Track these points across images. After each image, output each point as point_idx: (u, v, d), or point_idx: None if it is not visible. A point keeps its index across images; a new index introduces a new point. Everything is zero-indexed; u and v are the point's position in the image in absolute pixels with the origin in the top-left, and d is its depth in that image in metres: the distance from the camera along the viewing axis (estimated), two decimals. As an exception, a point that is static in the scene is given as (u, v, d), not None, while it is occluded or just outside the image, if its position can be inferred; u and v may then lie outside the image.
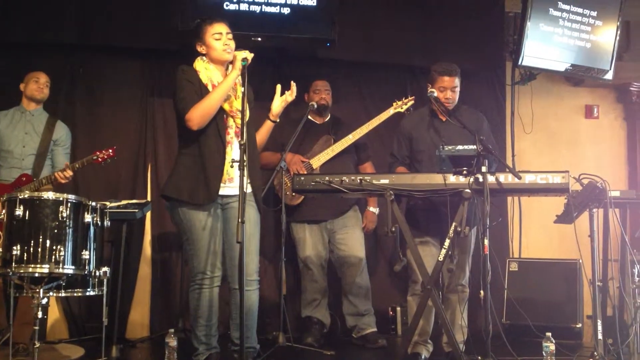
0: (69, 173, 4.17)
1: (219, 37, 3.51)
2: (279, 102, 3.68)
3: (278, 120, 3.74)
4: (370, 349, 4.56)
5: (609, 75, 5.59)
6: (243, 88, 3.31)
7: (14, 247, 3.15)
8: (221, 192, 3.46)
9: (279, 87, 3.72)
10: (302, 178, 3.74)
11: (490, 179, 3.44)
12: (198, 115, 3.38)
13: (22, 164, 4.32)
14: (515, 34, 5.47)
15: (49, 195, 3.27)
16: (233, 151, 3.46)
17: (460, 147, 3.49)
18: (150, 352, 4.61)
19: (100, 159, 4.20)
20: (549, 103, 5.99)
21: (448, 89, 3.90)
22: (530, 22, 5.23)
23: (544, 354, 3.65)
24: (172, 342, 3.92)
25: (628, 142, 6.11)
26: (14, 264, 3.13)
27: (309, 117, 4.72)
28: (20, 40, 4.88)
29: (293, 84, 3.70)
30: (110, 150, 4.21)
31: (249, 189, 3.48)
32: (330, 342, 4.68)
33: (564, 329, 4.70)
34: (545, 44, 5.34)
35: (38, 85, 4.43)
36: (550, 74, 5.68)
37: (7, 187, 4.20)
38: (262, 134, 3.73)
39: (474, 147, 3.41)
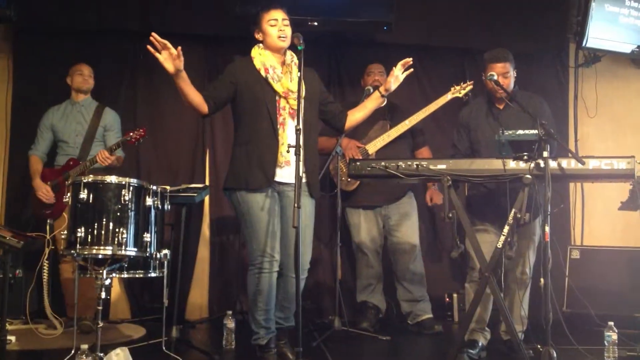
0: (107, 154, 4.37)
1: (274, 24, 3.53)
2: (393, 79, 3.68)
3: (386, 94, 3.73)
4: (426, 335, 4.54)
5: (678, 57, 5.40)
6: (299, 72, 3.28)
7: (79, 230, 3.23)
8: (278, 178, 3.48)
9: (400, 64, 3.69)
10: (358, 163, 3.72)
11: (552, 164, 3.37)
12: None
13: (77, 151, 4.60)
14: (579, 15, 5.31)
15: (112, 179, 3.34)
16: (286, 133, 3.47)
17: (520, 131, 3.41)
18: (209, 334, 4.70)
19: (133, 139, 4.36)
20: (614, 86, 5.80)
21: (499, 75, 3.80)
22: (595, 3, 5.08)
23: (606, 343, 3.56)
24: (231, 324, 3.99)
25: (698, 126, 5.88)
26: (78, 245, 3.21)
27: (366, 102, 4.67)
28: (89, 28, 5.04)
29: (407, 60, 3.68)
30: (142, 130, 4.37)
31: (304, 178, 3.48)
32: (385, 327, 4.67)
33: (627, 319, 4.57)
34: (611, 25, 5.18)
35: (83, 77, 4.70)
36: (615, 56, 5.52)
37: (55, 172, 4.56)
38: (368, 108, 3.76)
39: (535, 131, 3.33)
